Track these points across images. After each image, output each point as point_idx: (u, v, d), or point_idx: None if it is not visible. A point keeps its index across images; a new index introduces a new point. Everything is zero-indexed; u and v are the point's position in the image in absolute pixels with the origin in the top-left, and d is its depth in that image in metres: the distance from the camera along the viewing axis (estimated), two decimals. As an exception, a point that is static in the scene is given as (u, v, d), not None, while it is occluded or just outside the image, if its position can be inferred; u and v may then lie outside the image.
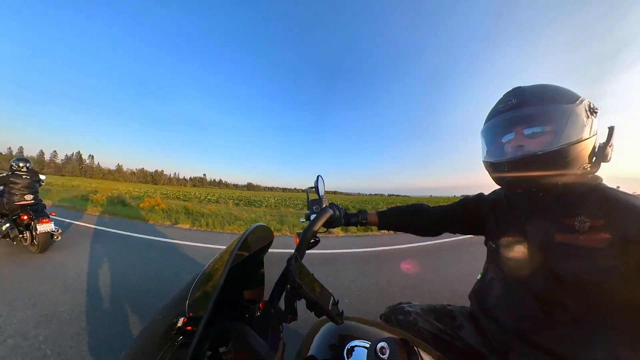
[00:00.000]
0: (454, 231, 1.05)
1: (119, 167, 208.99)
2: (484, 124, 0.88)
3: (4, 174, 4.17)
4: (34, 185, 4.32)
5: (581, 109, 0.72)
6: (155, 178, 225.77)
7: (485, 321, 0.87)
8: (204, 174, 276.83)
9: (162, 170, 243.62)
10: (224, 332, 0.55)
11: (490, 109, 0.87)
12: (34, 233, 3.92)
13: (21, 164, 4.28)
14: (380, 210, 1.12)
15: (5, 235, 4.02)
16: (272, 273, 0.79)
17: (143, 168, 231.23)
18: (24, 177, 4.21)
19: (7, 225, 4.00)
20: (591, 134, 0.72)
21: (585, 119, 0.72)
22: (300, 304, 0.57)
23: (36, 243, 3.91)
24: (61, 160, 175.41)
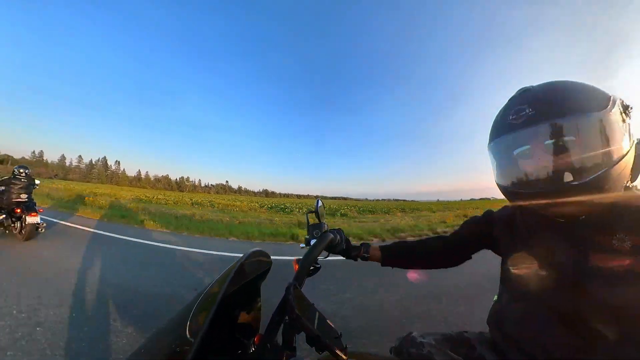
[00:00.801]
0: (466, 257, 0.99)
1: (140, 174, 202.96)
2: (492, 138, 0.73)
3: (7, 177, 5.48)
4: (29, 187, 5.59)
5: (616, 114, 0.58)
6: (180, 185, 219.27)
7: (508, 350, 0.77)
8: (227, 181, 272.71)
9: (188, 177, 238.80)
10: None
11: (496, 115, 0.73)
12: (23, 224, 4.98)
13: (21, 170, 5.59)
14: (383, 244, 1.07)
15: (0, 224, 5.26)
16: (270, 302, 0.73)
17: (167, 175, 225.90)
18: (22, 180, 5.49)
19: (4, 216, 5.25)
20: (631, 143, 0.59)
21: (621, 125, 0.58)
22: (300, 338, 0.52)
23: (23, 232, 4.96)
24: (85, 165, 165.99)
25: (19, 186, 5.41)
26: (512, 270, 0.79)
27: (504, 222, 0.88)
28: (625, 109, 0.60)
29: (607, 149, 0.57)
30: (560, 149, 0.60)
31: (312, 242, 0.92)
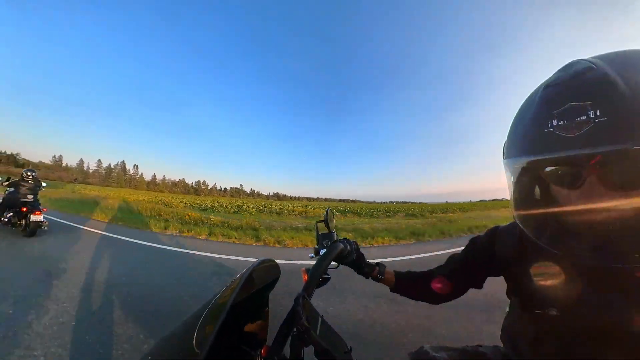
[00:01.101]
0: (479, 283, 0.88)
1: (155, 177, 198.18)
2: (519, 153, 0.47)
3: (17, 179, 6.14)
4: (35, 188, 6.20)
5: None
6: (197, 189, 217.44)
7: None
8: (241, 184, 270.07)
9: (205, 181, 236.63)
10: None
11: (521, 113, 0.48)
12: (27, 221, 5.54)
13: (29, 174, 6.23)
14: (398, 270, 1.00)
15: (8, 221, 5.76)
16: (278, 311, 0.72)
17: (184, 179, 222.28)
18: (29, 182, 6.14)
19: (12, 214, 5.78)
20: None
21: None
22: (308, 351, 0.51)
23: (28, 230, 5.53)
24: (104, 169, 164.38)
25: (26, 187, 6.00)
26: (524, 291, 0.70)
27: (510, 234, 0.75)
28: None
29: None
30: (630, 200, 0.36)
31: (322, 252, 0.91)
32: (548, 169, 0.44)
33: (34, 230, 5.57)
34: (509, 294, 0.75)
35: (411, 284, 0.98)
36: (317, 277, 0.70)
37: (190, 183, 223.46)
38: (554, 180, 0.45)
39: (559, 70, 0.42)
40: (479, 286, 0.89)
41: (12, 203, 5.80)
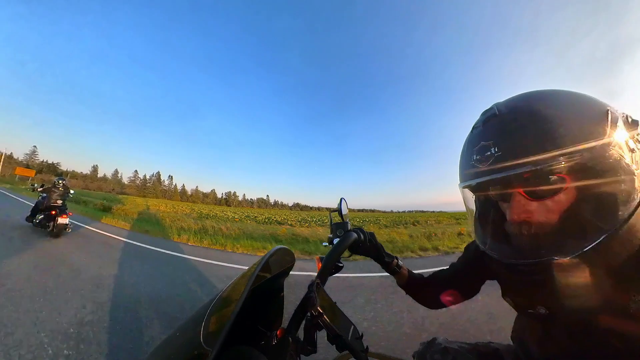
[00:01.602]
0: (474, 291, 0.88)
1: (184, 188, 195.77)
2: (459, 178, 0.61)
3: (49, 186, 6.82)
4: (64, 195, 6.83)
5: (620, 139, 0.42)
6: (228, 200, 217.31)
7: None
8: (267, 195, 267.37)
9: (235, 192, 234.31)
10: (238, 357, 0.51)
11: (463, 145, 0.60)
12: (55, 224, 6.13)
13: (60, 181, 6.90)
14: (413, 271, 1.02)
15: (39, 223, 6.47)
16: (292, 298, 0.75)
17: (214, 190, 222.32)
18: (60, 189, 6.77)
19: (42, 217, 6.45)
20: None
21: (628, 156, 0.42)
22: (321, 335, 0.53)
23: (55, 231, 6.14)
24: (139, 180, 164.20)
25: (57, 194, 6.65)
26: (513, 292, 0.70)
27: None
28: (633, 127, 0.43)
29: (608, 189, 0.42)
30: (539, 206, 0.47)
31: (335, 241, 0.92)
32: (492, 191, 0.54)
33: (59, 231, 6.21)
34: (503, 295, 0.74)
35: (420, 288, 0.98)
36: (330, 265, 0.73)
37: (220, 194, 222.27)
38: (498, 198, 0.56)
39: (481, 114, 0.54)
40: (477, 290, 0.88)
41: (44, 207, 6.49)
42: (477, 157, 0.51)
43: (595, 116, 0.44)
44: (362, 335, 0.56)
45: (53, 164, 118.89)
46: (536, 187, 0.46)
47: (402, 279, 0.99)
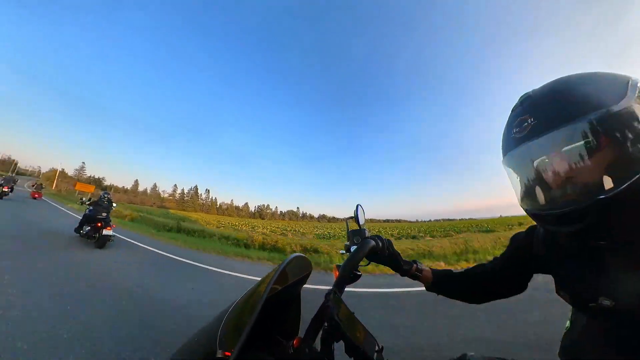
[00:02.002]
0: (521, 287, 0.84)
1: (216, 201, 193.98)
2: (503, 155, 0.67)
3: (96, 199, 7.52)
4: (109, 208, 7.45)
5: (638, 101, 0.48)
6: (261, 213, 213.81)
7: None
8: (297, 207, 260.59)
9: (268, 205, 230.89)
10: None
11: (504, 127, 0.66)
12: (99, 235, 6.65)
13: (105, 195, 7.60)
14: (435, 269, 0.98)
15: (86, 234, 7.01)
16: (309, 306, 0.74)
17: (247, 203, 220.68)
18: (105, 202, 7.44)
19: (89, 228, 6.97)
20: None
21: None
22: (338, 347, 0.52)
23: (99, 241, 6.62)
24: (178, 194, 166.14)
25: (102, 207, 7.26)
26: (570, 285, 0.66)
27: (541, 235, 0.74)
28: None
29: (633, 146, 0.47)
30: (574, 158, 0.52)
31: (353, 248, 0.91)
32: (532, 156, 0.60)
33: (103, 242, 6.65)
34: (557, 291, 0.70)
35: (453, 284, 0.94)
36: (348, 273, 0.71)
37: (252, 207, 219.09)
38: (537, 162, 0.60)
39: (518, 99, 0.63)
40: (524, 286, 0.84)
41: (90, 219, 7.03)
42: (516, 130, 0.59)
43: (619, 84, 0.51)
44: (382, 348, 0.53)
45: (99, 178, 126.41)
46: (570, 146, 0.52)
47: (427, 281, 0.95)
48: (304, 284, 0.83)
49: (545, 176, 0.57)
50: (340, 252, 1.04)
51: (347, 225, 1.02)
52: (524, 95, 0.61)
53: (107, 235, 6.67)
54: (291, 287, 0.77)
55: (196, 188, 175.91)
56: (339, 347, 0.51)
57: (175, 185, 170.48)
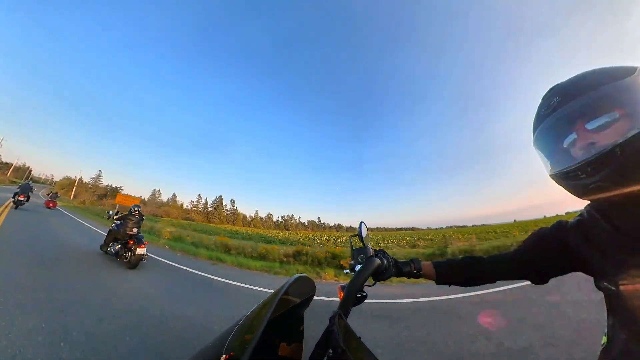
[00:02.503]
0: (539, 278, 0.80)
1: (236, 212, 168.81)
2: (533, 135, 0.74)
3: (125, 214, 6.40)
4: (139, 222, 6.44)
5: None
6: (286, 224, 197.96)
7: None
8: (319, 217, 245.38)
9: (293, 215, 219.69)
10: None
11: (533, 117, 0.74)
12: (132, 254, 5.70)
13: (136, 209, 6.48)
14: (435, 261, 0.94)
15: (115, 253, 6.08)
16: (314, 330, 0.70)
17: (270, 213, 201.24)
18: (135, 216, 6.37)
19: (119, 246, 6.08)
20: None
21: None
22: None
23: (131, 262, 5.66)
24: (202, 205, 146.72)
25: (133, 222, 6.24)
26: (616, 294, 0.59)
27: (582, 229, 0.70)
28: None
29: None
30: (597, 120, 0.59)
31: (357, 267, 0.87)
32: (559, 129, 0.67)
33: (136, 262, 5.71)
34: (598, 283, 0.65)
35: (458, 271, 0.90)
36: (353, 295, 0.67)
37: (275, 218, 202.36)
38: (566, 133, 0.66)
39: (550, 88, 0.71)
40: (543, 281, 0.80)
41: (120, 235, 6.09)
42: (544, 109, 0.68)
43: (628, 67, 0.60)
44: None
45: (116, 188, 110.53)
46: (593, 119, 0.59)
47: (431, 277, 0.92)
48: (308, 306, 0.79)
49: (575, 138, 0.63)
50: (345, 271, 1.00)
51: (351, 243, 0.99)
52: (553, 85, 0.70)
53: (141, 255, 5.68)
54: (294, 310, 0.73)
55: (221, 198, 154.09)
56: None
57: (199, 195, 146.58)
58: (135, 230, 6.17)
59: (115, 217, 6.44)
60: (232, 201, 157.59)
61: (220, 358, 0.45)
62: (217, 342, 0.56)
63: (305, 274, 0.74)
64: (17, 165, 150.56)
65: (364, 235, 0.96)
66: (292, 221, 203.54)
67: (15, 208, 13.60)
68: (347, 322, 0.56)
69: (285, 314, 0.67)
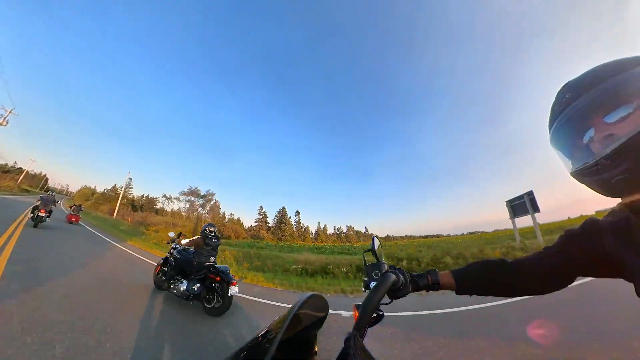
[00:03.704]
0: (569, 281, 0.75)
1: (303, 226, 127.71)
2: (549, 134, 0.73)
3: (198, 237, 4.40)
4: (217, 248, 4.52)
5: None
6: (348, 236, 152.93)
7: None
8: (365, 227, 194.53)
9: (352, 226, 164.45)
10: None
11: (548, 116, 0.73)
12: (220, 296, 3.90)
13: (211, 229, 4.52)
14: (454, 269, 0.87)
15: (196, 296, 3.99)
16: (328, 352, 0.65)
17: (325, 225, 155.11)
18: (213, 240, 4.44)
19: (198, 285, 4.01)
20: None
21: None
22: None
23: (222, 306, 3.85)
24: (261, 219, 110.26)
25: (210, 247, 4.35)
26: None
27: (614, 229, 0.65)
28: None
29: None
30: (615, 112, 0.58)
31: (372, 284, 0.83)
32: (574, 123, 0.66)
33: (227, 306, 3.90)
34: (638, 291, 0.59)
35: (481, 279, 0.84)
36: (369, 314, 0.64)
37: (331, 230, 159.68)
38: (582, 128, 0.65)
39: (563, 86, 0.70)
40: (568, 283, 0.75)
41: (194, 268, 4.19)
42: (557, 106, 0.68)
43: (636, 58, 0.60)
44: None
45: (152, 199, 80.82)
46: (608, 111, 0.59)
47: (451, 287, 0.85)
48: (320, 327, 0.76)
49: (593, 133, 0.62)
50: (362, 289, 0.95)
51: (365, 259, 0.95)
52: (565, 83, 0.70)
53: (232, 295, 3.91)
54: (306, 331, 0.70)
55: (284, 210, 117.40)
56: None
57: (261, 206, 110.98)
58: (212, 259, 4.36)
59: (184, 242, 4.41)
60: (298, 213, 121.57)
61: None
62: None
63: (318, 292, 0.71)
64: (33, 173, 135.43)
65: (377, 251, 0.93)
66: (350, 232, 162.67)
67: (35, 226, 9.94)
68: (363, 344, 0.53)
69: (298, 334, 0.64)
